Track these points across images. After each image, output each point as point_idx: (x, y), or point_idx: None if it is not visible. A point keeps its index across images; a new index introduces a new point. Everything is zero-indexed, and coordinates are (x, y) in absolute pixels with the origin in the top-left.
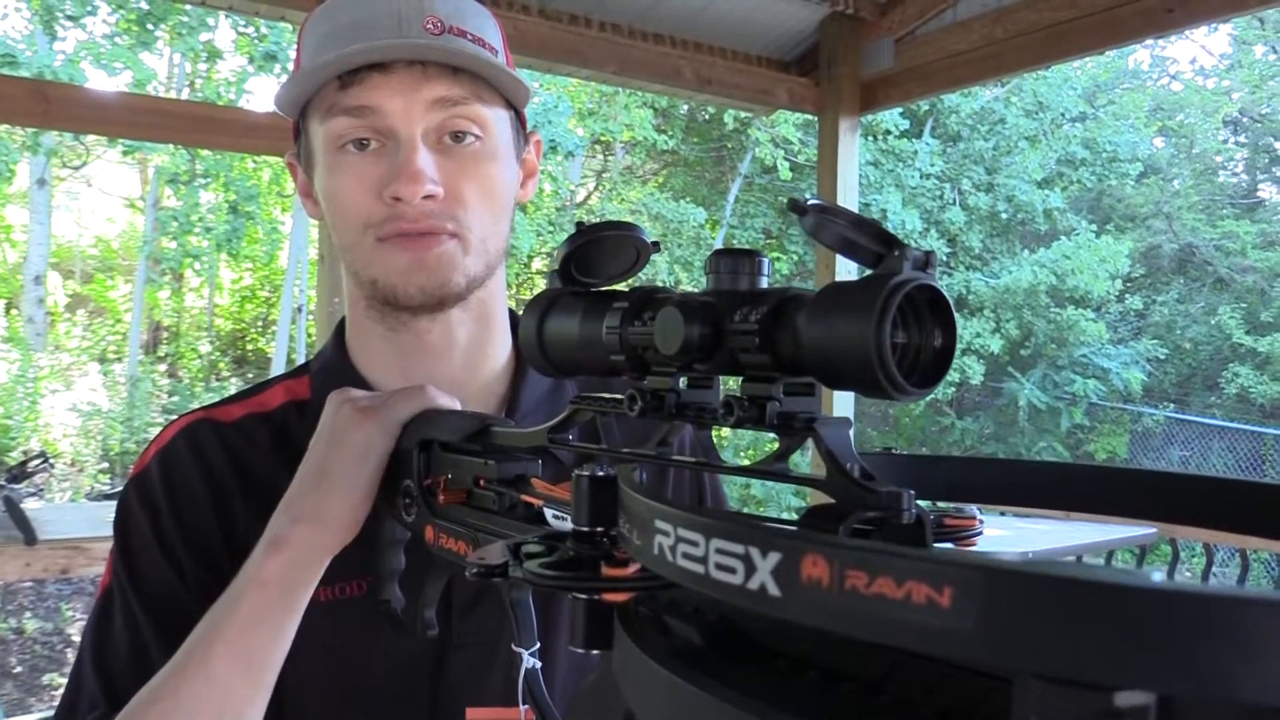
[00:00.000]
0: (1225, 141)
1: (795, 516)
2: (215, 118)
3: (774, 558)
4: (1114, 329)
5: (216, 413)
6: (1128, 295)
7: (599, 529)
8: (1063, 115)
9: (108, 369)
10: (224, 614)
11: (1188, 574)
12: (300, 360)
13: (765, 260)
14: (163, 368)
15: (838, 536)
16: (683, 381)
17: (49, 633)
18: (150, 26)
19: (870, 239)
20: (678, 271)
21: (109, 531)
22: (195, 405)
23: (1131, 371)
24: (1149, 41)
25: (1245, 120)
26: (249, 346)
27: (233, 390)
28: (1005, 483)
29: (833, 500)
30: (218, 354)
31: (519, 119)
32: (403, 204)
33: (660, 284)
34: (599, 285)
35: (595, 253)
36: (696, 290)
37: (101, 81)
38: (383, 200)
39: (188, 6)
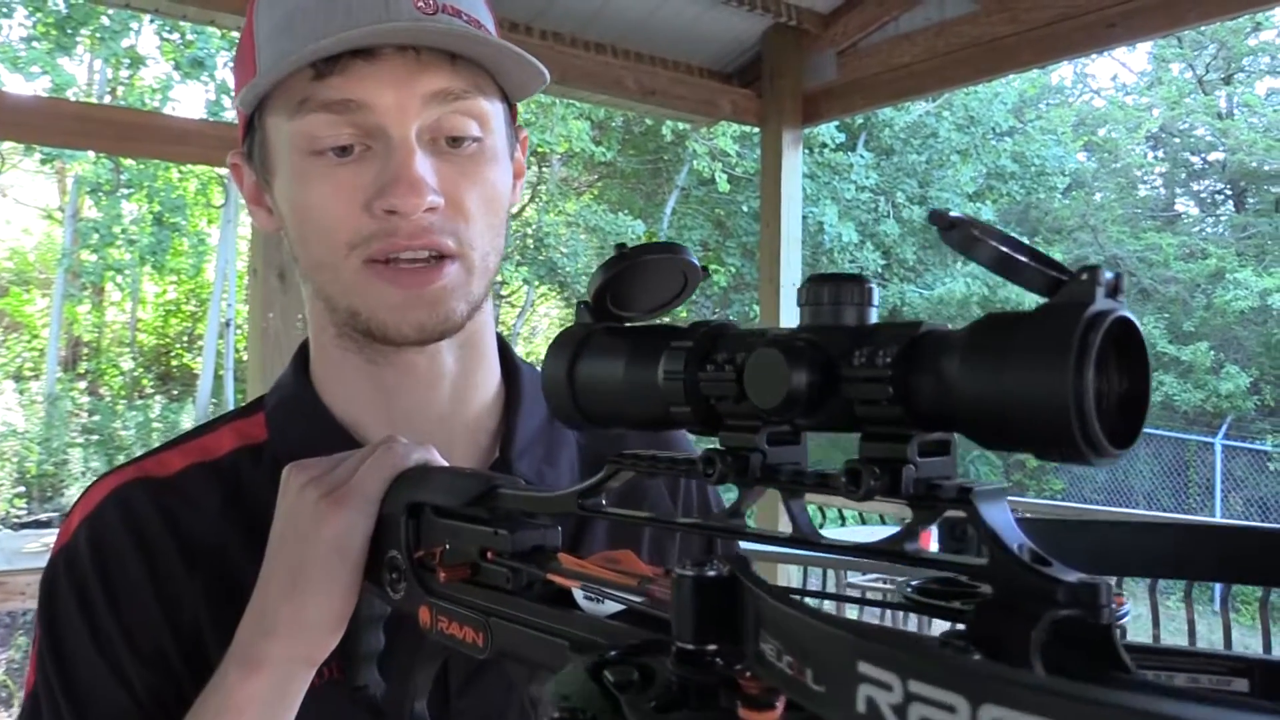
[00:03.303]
0: (1145, 156)
1: (921, 597)
2: (143, 124)
3: None
4: None
5: (151, 466)
6: None
7: (709, 646)
8: (993, 130)
9: (24, 387)
10: None
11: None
12: (229, 378)
13: (874, 288)
14: (82, 385)
15: None
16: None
17: None
18: (69, 31)
19: (1030, 258)
20: None
21: (27, 564)
22: (117, 425)
23: None
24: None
25: (1164, 135)
26: (174, 362)
27: (156, 409)
28: (1171, 551)
29: (970, 582)
30: (141, 370)
31: (511, 112)
32: (398, 217)
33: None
34: (636, 319)
35: (635, 280)
36: (782, 327)
37: (18, 86)
38: (372, 214)
39: (110, 10)
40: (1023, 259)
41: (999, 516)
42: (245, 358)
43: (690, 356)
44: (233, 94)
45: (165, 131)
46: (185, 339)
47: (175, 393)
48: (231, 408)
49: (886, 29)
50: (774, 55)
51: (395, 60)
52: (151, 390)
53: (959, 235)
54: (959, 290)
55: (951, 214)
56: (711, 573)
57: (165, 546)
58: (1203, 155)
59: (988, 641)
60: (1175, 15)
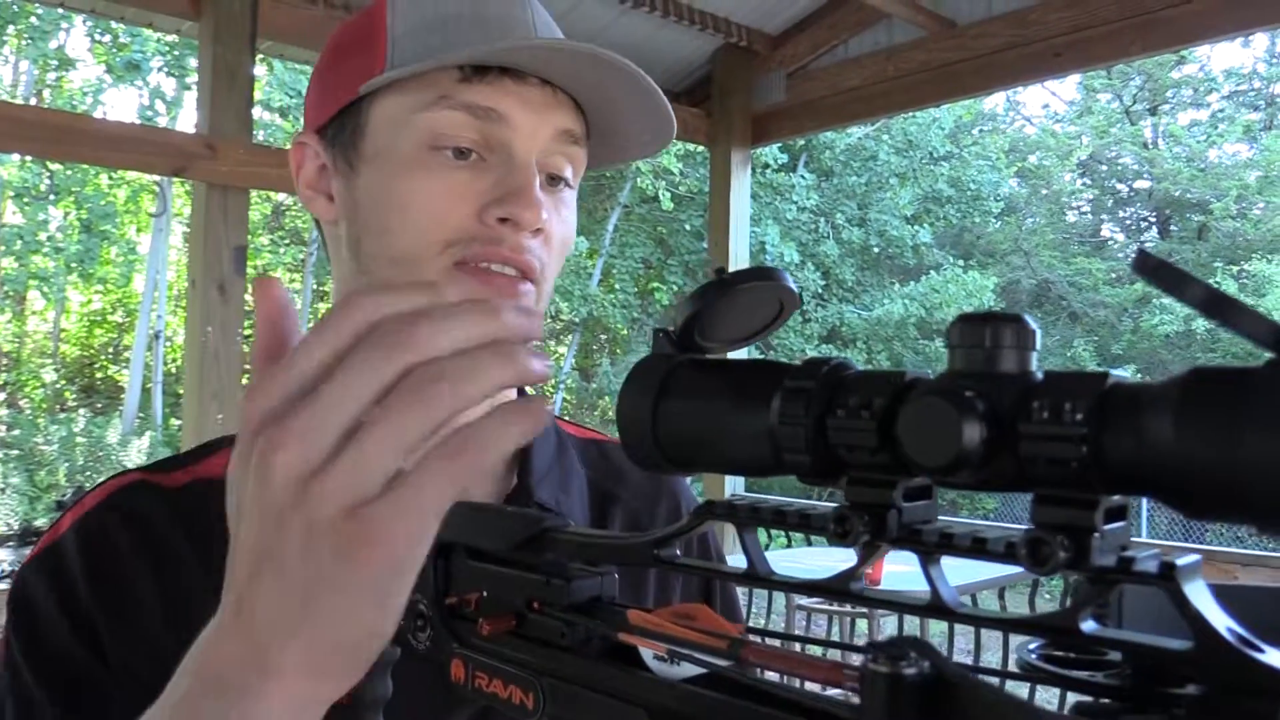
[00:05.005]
0: (1075, 183)
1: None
2: (76, 127)
3: None
4: None
5: (155, 476)
6: None
7: None
8: (930, 154)
9: None
10: None
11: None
12: (157, 391)
13: (1037, 330)
14: (1, 397)
15: None
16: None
17: None
18: None
19: (1235, 305)
20: (557, 300)
21: None
22: (39, 439)
23: None
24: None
25: (1092, 163)
26: (99, 375)
27: (80, 423)
28: None
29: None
30: (64, 382)
31: None
32: (509, 228)
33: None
34: (717, 350)
35: (728, 309)
36: (920, 370)
37: None
38: (482, 220)
39: (39, 9)
40: (1239, 305)
41: (1201, 594)
42: (174, 370)
43: (813, 399)
44: (312, 75)
45: (100, 135)
46: (111, 350)
47: (100, 406)
48: (160, 422)
49: (836, 52)
50: (724, 75)
51: (535, 88)
52: (75, 403)
53: (1167, 274)
54: (897, 311)
55: (1154, 255)
56: (911, 670)
57: (176, 538)
58: (1129, 183)
59: None
60: (1119, 46)
